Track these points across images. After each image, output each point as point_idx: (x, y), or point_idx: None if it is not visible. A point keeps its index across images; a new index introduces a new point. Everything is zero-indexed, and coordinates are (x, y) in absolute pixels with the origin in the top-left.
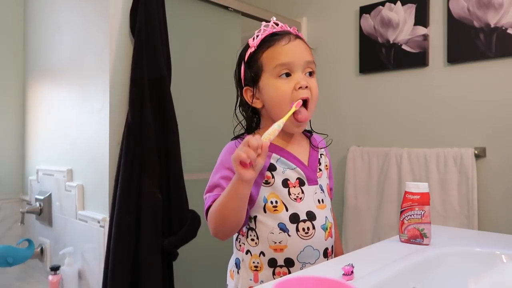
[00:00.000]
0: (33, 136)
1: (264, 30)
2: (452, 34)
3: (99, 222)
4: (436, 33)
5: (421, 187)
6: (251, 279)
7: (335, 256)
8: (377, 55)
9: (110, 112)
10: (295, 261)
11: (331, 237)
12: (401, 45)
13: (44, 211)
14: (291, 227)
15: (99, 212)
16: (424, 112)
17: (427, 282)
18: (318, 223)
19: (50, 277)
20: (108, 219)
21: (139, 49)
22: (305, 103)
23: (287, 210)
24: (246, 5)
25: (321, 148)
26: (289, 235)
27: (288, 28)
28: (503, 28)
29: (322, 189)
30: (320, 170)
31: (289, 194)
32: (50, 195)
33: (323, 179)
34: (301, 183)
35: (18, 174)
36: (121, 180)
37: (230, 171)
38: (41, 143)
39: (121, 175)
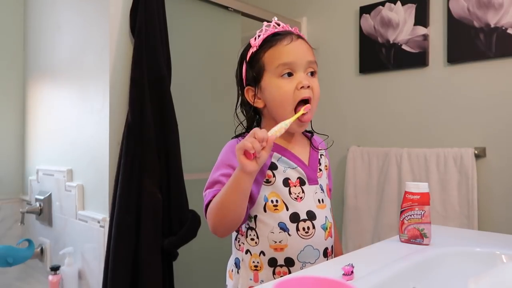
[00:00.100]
0: (33, 136)
1: (265, 30)
2: (452, 34)
3: (99, 222)
4: (436, 33)
5: (421, 187)
6: (251, 279)
7: (334, 257)
8: (377, 55)
9: (110, 112)
10: (295, 261)
11: (331, 237)
12: (401, 45)
13: (44, 211)
14: (292, 227)
15: (99, 212)
16: (424, 112)
17: (427, 282)
18: (318, 222)
19: (50, 277)
20: (108, 219)
21: (139, 49)
22: (307, 103)
23: (287, 209)
24: (246, 5)
25: (321, 150)
26: (289, 235)
27: (290, 29)
28: (503, 28)
29: (322, 189)
30: (320, 170)
31: (290, 193)
32: (50, 195)
33: (323, 179)
34: (301, 182)
35: (18, 174)
36: (121, 180)
37: (231, 168)
38: (41, 143)
39: (121, 175)
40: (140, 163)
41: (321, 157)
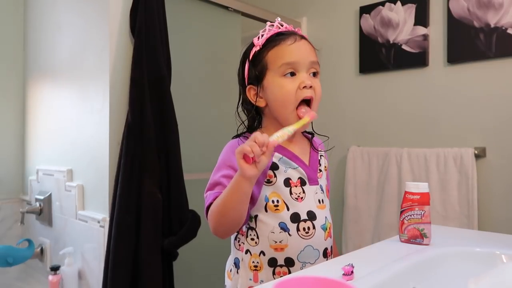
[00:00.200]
0: (33, 136)
1: (269, 29)
2: (452, 34)
3: (99, 222)
4: (436, 33)
5: (421, 187)
6: (250, 279)
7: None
8: (377, 55)
9: (110, 112)
10: (295, 261)
11: (330, 237)
12: (401, 45)
13: (44, 211)
14: (292, 227)
15: (99, 212)
16: (424, 112)
17: (427, 282)
18: (318, 223)
19: (50, 277)
20: (108, 219)
21: (139, 49)
22: (308, 103)
23: (288, 209)
24: (246, 5)
25: (321, 151)
26: (289, 235)
27: (293, 29)
28: (503, 28)
29: (322, 189)
30: (320, 170)
31: (291, 193)
32: (50, 195)
33: (323, 180)
34: (302, 182)
35: (18, 174)
36: (121, 180)
37: (231, 169)
38: (41, 143)
39: (121, 175)
40: (140, 163)
41: (321, 158)
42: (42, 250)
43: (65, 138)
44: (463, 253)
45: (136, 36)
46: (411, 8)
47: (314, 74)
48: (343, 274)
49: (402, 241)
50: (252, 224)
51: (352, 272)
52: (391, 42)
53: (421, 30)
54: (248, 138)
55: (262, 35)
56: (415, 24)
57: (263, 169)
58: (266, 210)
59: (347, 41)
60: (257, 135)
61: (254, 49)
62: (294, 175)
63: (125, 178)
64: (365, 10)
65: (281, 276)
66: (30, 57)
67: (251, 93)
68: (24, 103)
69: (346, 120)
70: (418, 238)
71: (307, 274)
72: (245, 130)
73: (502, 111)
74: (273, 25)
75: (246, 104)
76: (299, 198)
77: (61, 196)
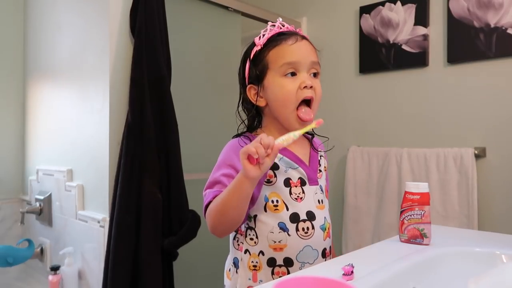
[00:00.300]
0: (33, 136)
1: (270, 29)
2: (452, 34)
3: (99, 222)
4: (436, 33)
5: (421, 187)
6: (249, 279)
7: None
8: (377, 55)
9: (110, 112)
10: (294, 261)
11: (329, 238)
12: (401, 45)
13: (44, 211)
14: (291, 227)
15: (99, 212)
16: (424, 112)
17: (427, 282)
18: (317, 223)
19: (50, 277)
20: (108, 219)
21: (139, 49)
22: (308, 103)
23: (287, 209)
24: (246, 5)
25: (321, 152)
26: (289, 235)
27: (295, 29)
28: (503, 28)
29: (321, 190)
30: (320, 171)
31: (290, 193)
32: (50, 195)
33: (323, 180)
34: (302, 183)
35: (18, 174)
36: (121, 180)
37: (232, 168)
38: (41, 143)
39: (121, 175)
40: (140, 163)
41: (320, 158)
42: (42, 250)
43: (65, 138)
44: (463, 253)
45: (136, 36)
46: (411, 8)
47: (315, 75)
48: (343, 274)
49: (402, 241)
50: (251, 224)
51: (352, 272)
52: (391, 42)
53: (421, 30)
54: (248, 137)
55: (264, 35)
56: (415, 24)
57: (266, 171)
58: (265, 210)
59: (347, 41)
60: (263, 136)
61: (255, 49)
62: (295, 175)
63: (125, 178)
64: (365, 10)
65: (280, 276)
66: (30, 57)
67: (251, 93)
68: (24, 103)
69: (346, 120)
70: (418, 238)
71: (307, 274)
72: (245, 129)
73: (502, 111)
74: (274, 25)
75: (246, 103)
76: (298, 198)
77: (61, 196)
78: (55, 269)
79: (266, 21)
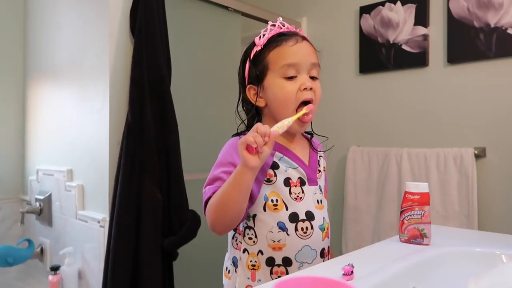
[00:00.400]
0: (33, 136)
1: (270, 29)
2: (452, 34)
3: (99, 222)
4: (436, 33)
5: (421, 187)
6: (248, 278)
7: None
8: (377, 55)
9: (110, 112)
10: (293, 261)
11: (328, 238)
12: (401, 45)
13: (44, 211)
14: (290, 226)
15: (99, 212)
16: (424, 112)
17: (427, 282)
18: (316, 223)
19: (50, 277)
20: (108, 219)
21: (139, 49)
22: (308, 104)
23: (287, 209)
24: (246, 5)
25: (320, 152)
26: (288, 234)
27: (295, 30)
28: (503, 28)
29: (321, 190)
30: (319, 171)
31: (290, 193)
32: (50, 195)
33: (322, 180)
34: (302, 182)
35: (18, 174)
36: (121, 180)
37: (232, 166)
38: (41, 143)
39: (121, 175)
40: (140, 163)
41: (320, 158)
42: (42, 250)
43: (65, 138)
44: (463, 253)
45: (136, 36)
46: (411, 8)
47: (313, 79)
48: (343, 274)
49: (402, 241)
50: (250, 223)
51: (352, 272)
52: (391, 42)
53: (421, 30)
54: None
55: (264, 35)
56: (415, 24)
57: (265, 160)
58: (264, 210)
59: (347, 41)
60: (259, 125)
61: (255, 49)
62: (294, 175)
63: (125, 178)
64: (365, 10)
65: (278, 276)
66: (30, 57)
67: (251, 93)
68: (24, 103)
69: (346, 120)
70: (418, 238)
71: (307, 274)
72: (244, 129)
73: (502, 111)
74: (274, 25)
75: (246, 103)
76: (298, 198)
77: (61, 196)
78: (55, 269)
79: (266, 21)
